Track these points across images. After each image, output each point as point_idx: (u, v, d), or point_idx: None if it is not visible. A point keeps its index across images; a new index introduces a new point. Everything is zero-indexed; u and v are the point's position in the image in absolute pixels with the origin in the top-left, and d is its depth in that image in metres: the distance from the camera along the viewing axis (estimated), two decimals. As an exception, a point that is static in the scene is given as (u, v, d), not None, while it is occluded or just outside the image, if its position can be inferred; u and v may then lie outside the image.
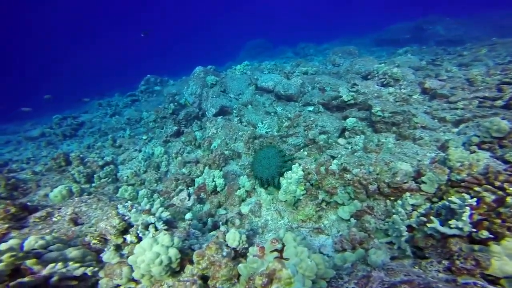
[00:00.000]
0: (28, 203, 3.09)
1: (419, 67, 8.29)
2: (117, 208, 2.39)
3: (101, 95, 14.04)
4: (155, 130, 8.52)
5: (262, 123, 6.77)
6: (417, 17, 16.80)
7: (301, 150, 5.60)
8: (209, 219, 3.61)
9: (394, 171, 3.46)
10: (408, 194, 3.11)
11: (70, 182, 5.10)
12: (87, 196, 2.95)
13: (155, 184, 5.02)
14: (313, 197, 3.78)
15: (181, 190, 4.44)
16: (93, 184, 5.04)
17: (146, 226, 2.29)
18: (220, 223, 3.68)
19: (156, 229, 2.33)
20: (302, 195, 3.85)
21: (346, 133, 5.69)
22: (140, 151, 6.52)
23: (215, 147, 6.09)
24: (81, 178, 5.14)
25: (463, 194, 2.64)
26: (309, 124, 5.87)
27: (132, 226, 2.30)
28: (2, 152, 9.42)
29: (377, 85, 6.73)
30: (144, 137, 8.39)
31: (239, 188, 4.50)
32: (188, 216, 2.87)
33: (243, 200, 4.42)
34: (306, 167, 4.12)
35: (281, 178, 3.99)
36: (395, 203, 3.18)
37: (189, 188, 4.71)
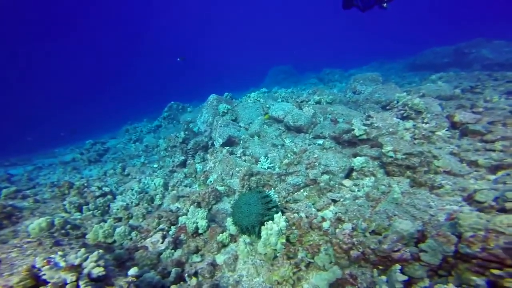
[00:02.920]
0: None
1: (452, 96, 7.31)
2: (49, 258, 2.24)
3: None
4: (165, 159, 8.73)
5: (266, 158, 6.44)
6: (458, 40, 15.47)
7: (301, 191, 5.08)
8: (173, 270, 3.27)
9: (394, 229, 2.79)
10: (398, 266, 2.42)
11: (61, 212, 5.28)
12: (27, 239, 2.87)
13: (141, 220, 4.91)
14: (291, 254, 3.24)
15: (160, 230, 4.23)
16: (79, 216, 5.14)
17: (61, 286, 2.08)
18: (186, 274, 3.30)
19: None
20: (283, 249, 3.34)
21: (354, 173, 5.04)
22: (139, 181, 6.64)
23: (211, 182, 5.89)
24: (71, 209, 5.30)
25: (474, 276, 1.92)
26: (311, 162, 5.37)
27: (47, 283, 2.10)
28: (39, 175, 10.55)
29: (396, 117, 6.00)
30: (155, 165, 8.65)
31: (223, 232, 4.13)
32: (132, 271, 2.57)
33: (224, 246, 4.01)
34: (291, 217, 3.61)
35: (263, 227, 3.54)
36: (381, 276, 2.50)
37: (172, 227, 4.49)
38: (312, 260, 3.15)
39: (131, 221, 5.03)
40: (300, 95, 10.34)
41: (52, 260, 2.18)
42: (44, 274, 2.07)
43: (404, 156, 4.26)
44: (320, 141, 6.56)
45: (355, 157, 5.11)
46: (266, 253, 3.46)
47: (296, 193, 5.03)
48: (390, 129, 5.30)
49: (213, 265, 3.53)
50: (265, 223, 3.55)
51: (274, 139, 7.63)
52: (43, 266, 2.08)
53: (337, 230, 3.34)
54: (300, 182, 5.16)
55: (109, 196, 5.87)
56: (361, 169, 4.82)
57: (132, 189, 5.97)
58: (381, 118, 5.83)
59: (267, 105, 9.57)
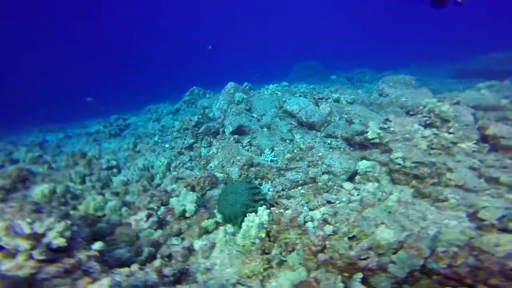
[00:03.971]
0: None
1: (495, 107, 6.42)
2: (13, 224, 2.35)
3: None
4: (177, 140, 8.93)
5: (270, 150, 6.27)
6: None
7: (299, 188, 4.86)
8: (146, 249, 3.30)
9: (373, 237, 2.53)
10: (360, 275, 2.19)
11: (68, 181, 5.63)
12: (11, 204, 3.03)
13: (135, 197, 5.07)
14: (266, 249, 3.11)
15: (148, 209, 4.32)
16: (79, 187, 5.43)
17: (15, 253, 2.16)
18: (159, 256, 3.32)
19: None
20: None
21: (357, 177, 4.69)
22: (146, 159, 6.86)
23: (211, 167, 5.89)
24: (76, 178, 5.63)
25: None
26: (314, 160, 5.10)
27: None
28: (67, 143, 11.46)
29: (419, 124, 5.43)
30: (167, 145, 8.90)
31: (209, 218, 4.09)
32: (96, 245, 2.60)
33: (207, 232, 3.98)
34: (275, 212, 3.44)
35: (245, 218, 3.44)
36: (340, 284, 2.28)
37: (162, 207, 4.55)
38: (285, 259, 2.98)
39: (127, 197, 5.22)
40: (321, 92, 9.87)
41: (17, 226, 2.28)
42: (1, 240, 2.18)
43: (413, 165, 3.83)
44: (329, 140, 6.21)
45: (361, 161, 4.73)
46: (244, 245, 3.36)
47: (292, 190, 4.82)
48: (406, 135, 4.80)
49: (189, 249, 3.51)
50: (247, 215, 3.44)
51: (284, 133, 7.37)
52: (2, 232, 2.18)
53: (314, 231, 3.14)
54: (299, 179, 4.93)
55: (114, 170, 6.16)
56: (365, 174, 4.46)
57: (136, 165, 6.19)
58: (400, 123, 5.32)
59: (284, 99, 9.28)
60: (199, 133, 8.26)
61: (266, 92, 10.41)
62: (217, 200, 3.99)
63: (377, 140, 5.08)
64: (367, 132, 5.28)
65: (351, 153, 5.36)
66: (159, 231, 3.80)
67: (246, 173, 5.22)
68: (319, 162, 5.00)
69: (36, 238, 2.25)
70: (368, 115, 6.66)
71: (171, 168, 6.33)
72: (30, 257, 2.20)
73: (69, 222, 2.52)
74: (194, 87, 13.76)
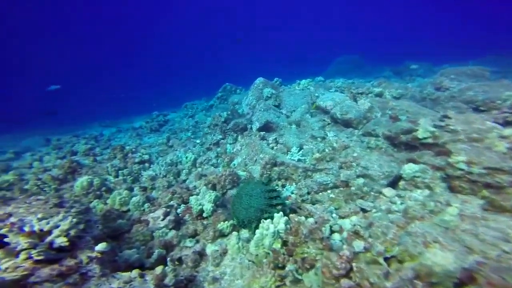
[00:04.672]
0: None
1: None
2: (23, 220, 2.26)
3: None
4: (207, 136, 8.85)
5: (298, 148, 5.63)
6: None
7: (327, 192, 4.17)
8: (156, 252, 3.05)
9: (422, 261, 1.81)
10: None
11: (105, 174, 5.84)
12: (39, 197, 3.03)
13: (160, 192, 4.96)
14: (279, 263, 2.57)
15: (167, 206, 4.13)
16: (112, 180, 5.56)
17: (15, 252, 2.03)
18: (169, 259, 3.05)
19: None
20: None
21: (402, 183, 3.80)
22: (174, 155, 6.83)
23: (234, 165, 5.53)
24: (112, 172, 5.81)
25: None
26: (348, 161, 4.33)
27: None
28: (116, 137, 12.42)
29: (494, 121, 4.20)
30: (198, 141, 8.89)
31: (226, 220, 3.72)
32: (99, 247, 2.40)
33: (223, 236, 3.61)
34: (295, 220, 2.87)
35: (260, 225, 2.96)
36: None
37: (182, 205, 4.34)
38: (301, 277, 2.41)
39: (153, 192, 5.18)
40: (360, 87, 8.72)
41: (26, 222, 2.19)
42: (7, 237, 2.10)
43: (484, 171, 2.85)
44: (368, 139, 5.30)
45: (408, 164, 3.82)
46: (257, 255, 2.89)
47: (320, 194, 4.15)
48: (474, 135, 3.70)
49: (201, 254, 3.18)
50: (262, 221, 2.94)
51: (316, 130, 6.63)
52: (5, 229, 2.10)
53: (340, 245, 2.51)
54: (329, 182, 4.23)
55: (146, 164, 6.25)
56: (412, 179, 3.57)
57: (163, 160, 6.18)
58: (464, 121, 4.18)
59: (317, 94, 8.46)
60: (227, 129, 8.01)
61: (297, 87, 9.66)
62: (231, 202, 3.59)
63: (429, 140, 4.07)
64: (416, 130, 4.28)
65: (395, 155, 4.42)
66: (173, 232, 3.55)
67: (268, 172, 4.71)
68: (354, 164, 4.22)
69: (40, 236, 2.14)
70: (419, 111, 5.52)
71: (197, 164, 6.16)
72: (29, 256, 2.07)
73: (74, 220, 2.37)
74: (227, 84, 13.67)
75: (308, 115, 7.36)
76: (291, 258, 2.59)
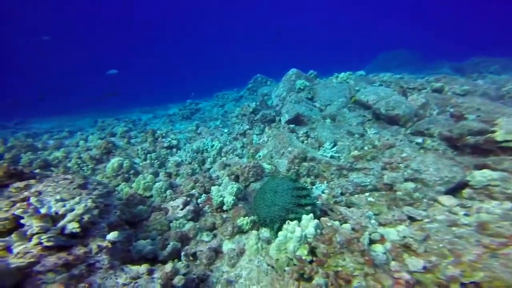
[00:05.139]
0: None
1: None
2: (42, 200, 2.12)
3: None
4: (234, 126, 8.59)
5: (332, 144, 4.99)
6: None
7: (365, 194, 3.54)
8: (171, 244, 2.78)
9: None
10: None
11: (135, 156, 5.85)
12: (66, 176, 2.92)
13: (184, 179, 4.76)
14: (306, 275, 2.10)
15: (188, 195, 3.88)
16: (140, 164, 5.52)
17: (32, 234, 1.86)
18: (183, 253, 2.76)
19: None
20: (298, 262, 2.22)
21: (468, 191, 3.01)
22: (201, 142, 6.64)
23: (259, 156, 5.10)
24: (142, 155, 5.79)
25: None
26: (394, 162, 3.61)
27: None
28: (152, 122, 12.89)
29: None
30: (226, 130, 8.67)
31: (246, 216, 3.34)
32: (110, 236, 2.16)
33: (242, 232, 3.23)
34: (327, 225, 2.35)
35: (284, 226, 2.51)
36: None
37: (203, 195, 4.06)
38: None
39: (178, 179, 5.02)
40: (412, 82, 7.54)
41: (44, 203, 2.03)
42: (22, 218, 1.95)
43: None
44: (420, 139, 4.43)
45: (480, 170, 2.99)
46: (278, 259, 2.44)
47: (355, 196, 3.53)
48: None
49: (217, 251, 2.83)
50: (287, 222, 2.48)
51: (353, 126, 5.87)
52: (21, 210, 1.95)
53: (392, 264, 1.93)
54: (368, 183, 3.58)
55: (174, 150, 6.16)
56: (486, 188, 2.77)
57: (190, 147, 6.00)
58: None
59: (357, 88, 7.57)
60: (255, 120, 7.60)
61: (334, 80, 8.80)
62: (254, 197, 3.18)
63: None
64: (493, 132, 3.36)
65: (456, 158, 3.57)
66: (191, 224, 3.26)
67: (296, 168, 4.19)
68: (401, 165, 3.49)
69: (54, 219, 1.96)
70: (495, 109, 4.43)
71: (222, 153, 5.88)
72: (40, 242, 1.90)
73: (89, 204, 2.18)
74: (258, 75, 13.23)
75: (345, 110, 6.58)
76: (320, 269, 2.09)
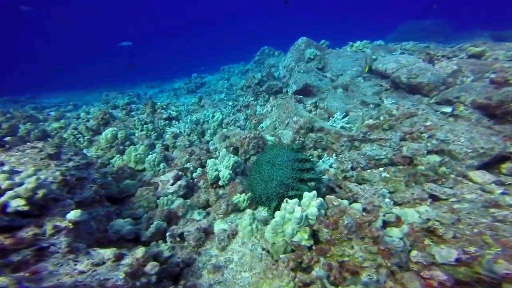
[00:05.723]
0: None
1: None
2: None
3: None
4: (239, 98, 8.01)
5: (343, 115, 4.39)
6: None
7: (379, 169, 3.03)
8: (155, 223, 2.44)
9: None
10: None
11: (133, 128, 5.46)
12: (34, 145, 2.53)
13: (179, 152, 4.38)
14: (304, 263, 1.71)
15: (181, 169, 3.49)
16: (136, 135, 5.16)
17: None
18: (169, 233, 2.42)
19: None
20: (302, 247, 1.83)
21: (509, 165, 2.45)
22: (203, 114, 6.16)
23: (262, 128, 4.60)
24: (138, 126, 5.39)
25: None
26: (416, 131, 3.02)
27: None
28: (157, 96, 12.44)
29: None
30: (230, 103, 8.13)
31: (243, 192, 2.95)
32: (71, 215, 1.79)
33: (238, 211, 2.86)
34: (334, 204, 1.91)
35: (282, 205, 2.08)
36: None
37: (199, 169, 3.68)
38: None
39: (175, 152, 4.64)
40: (441, 49, 6.45)
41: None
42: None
43: None
44: (448, 109, 3.76)
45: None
46: (274, 243, 2.06)
47: (368, 171, 3.03)
48: None
49: (207, 232, 2.48)
50: (285, 200, 2.05)
51: (368, 96, 5.17)
52: None
53: (414, 254, 1.49)
54: (383, 156, 3.06)
55: (173, 121, 5.74)
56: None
57: (189, 118, 5.55)
58: None
59: (374, 57, 6.65)
60: (260, 91, 6.98)
61: (348, 49, 7.81)
62: (249, 170, 2.75)
63: None
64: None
65: (495, 127, 2.93)
66: (180, 200, 2.89)
67: (302, 139, 3.68)
68: (424, 135, 2.91)
69: None
70: None
71: (223, 125, 5.41)
72: None
73: (42, 176, 1.80)
74: (265, 47, 12.22)
75: (360, 79, 5.82)
76: (322, 259, 1.68)
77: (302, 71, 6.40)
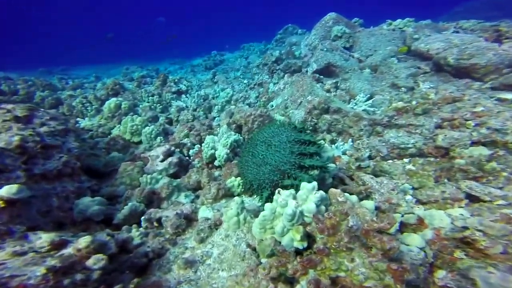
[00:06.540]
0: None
1: None
2: None
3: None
4: (255, 76, 7.48)
5: (367, 97, 3.73)
6: None
7: (403, 160, 2.47)
8: (128, 206, 2.13)
9: None
10: None
11: (140, 99, 5.23)
12: (4, 106, 2.29)
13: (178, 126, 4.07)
14: (288, 272, 1.31)
15: (180, 145, 3.17)
16: (140, 106, 4.89)
17: None
18: (145, 217, 2.11)
19: None
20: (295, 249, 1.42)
21: None
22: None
23: (272, 106, 4.11)
24: (145, 97, 5.14)
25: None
26: (458, 118, 2.37)
27: None
28: (176, 72, 12.21)
29: None
30: (245, 81, 7.63)
31: (239, 176, 2.56)
32: (5, 191, 1.44)
33: (232, 196, 2.50)
34: (338, 200, 1.45)
35: (275, 196, 1.66)
36: None
37: (198, 145, 3.33)
38: None
39: (178, 126, 4.34)
40: None
41: None
42: None
43: None
44: (509, 95, 2.96)
45: None
46: (262, 241, 1.67)
47: (389, 162, 2.47)
48: None
49: (189, 218, 2.14)
50: (279, 191, 1.62)
51: (401, 78, 4.37)
52: None
53: (441, 274, 0.98)
54: (410, 145, 2.48)
55: (182, 95, 5.42)
56: None
57: (196, 93, 5.16)
58: None
59: (416, 36, 5.59)
60: (276, 70, 6.35)
61: (385, 27, 6.68)
62: (241, 151, 2.33)
63: None
64: None
65: None
66: (166, 180, 2.55)
67: (315, 120, 3.15)
68: (470, 122, 2.25)
69: None
70: None
71: (232, 102, 4.98)
72: None
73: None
74: (289, 25, 11.23)
75: (393, 59, 4.95)
76: (311, 271, 1.26)
77: (325, 49, 5.61)
